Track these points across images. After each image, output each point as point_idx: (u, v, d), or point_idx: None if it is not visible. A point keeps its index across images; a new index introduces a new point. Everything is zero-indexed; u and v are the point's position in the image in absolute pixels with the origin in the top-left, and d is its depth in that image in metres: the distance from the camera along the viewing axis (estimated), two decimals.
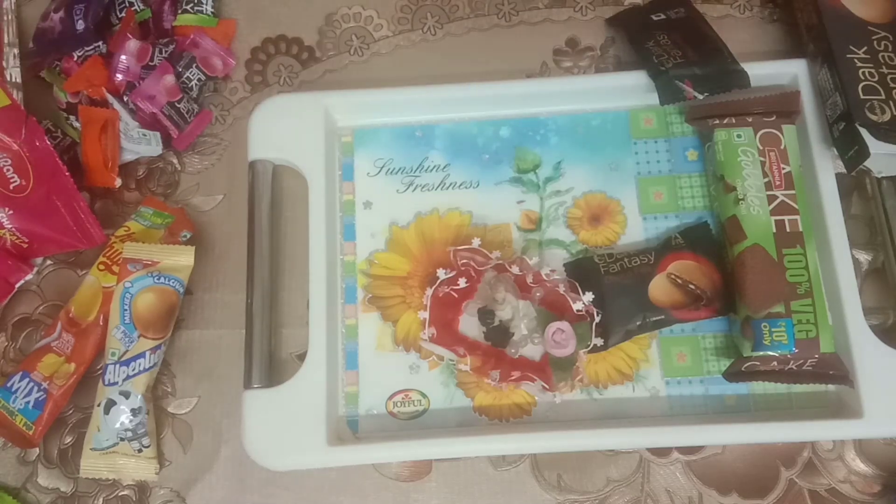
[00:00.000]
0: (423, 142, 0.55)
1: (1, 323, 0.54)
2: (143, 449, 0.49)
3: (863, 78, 0.49)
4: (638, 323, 0.49)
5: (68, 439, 0.51)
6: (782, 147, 0.50)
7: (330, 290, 0.51)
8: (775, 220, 0.48)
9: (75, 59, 0.55)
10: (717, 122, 0.51)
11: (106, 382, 0.49)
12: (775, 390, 0.49)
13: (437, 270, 0.50)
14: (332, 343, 0.50)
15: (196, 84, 0.56)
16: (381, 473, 0.50)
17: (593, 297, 0.49)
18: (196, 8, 0.58)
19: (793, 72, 0.53)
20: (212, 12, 0.58)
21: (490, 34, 0.59)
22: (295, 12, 0.60)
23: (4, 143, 0.50)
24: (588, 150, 0.54)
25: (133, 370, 0.49)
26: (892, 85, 0.48)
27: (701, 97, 0.51)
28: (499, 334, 0.49)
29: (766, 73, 0.53)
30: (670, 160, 0.54)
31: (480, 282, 0.50)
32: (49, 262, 0.55)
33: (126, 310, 0.49)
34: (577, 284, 0.50)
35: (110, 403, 0.48)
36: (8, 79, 0.57)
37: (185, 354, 0.53)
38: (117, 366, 0.48)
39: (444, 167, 0.54)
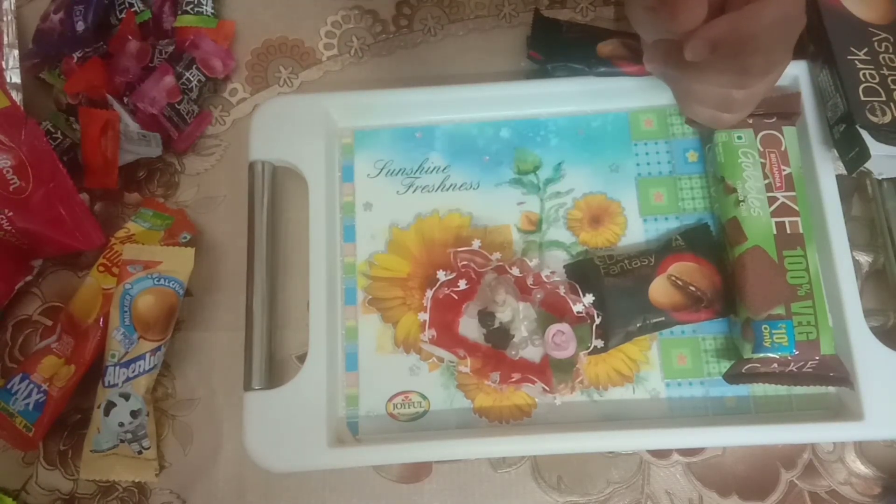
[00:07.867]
0: (424, 143, 0.55)
1: (1, 324, 0.54)
2: (143, 451, 0.49)
3: (863, 79, 0.49)
4: (638, 325, 0.49)
5: (68, 441, 0.51)
6: (783, 149, 0.50)
7: (330, 292, 0.51)
8: (776, 222, 0.48)
9: (75, 60, 0.55)
10: None
11: (106, 384, 0.49)
12: (776, 392, 0.49)
13: (438, 272, 0.50)
14: (332, 345, 0.50)
15: (196, 85, 0.56)
16: (382, 475, 0.50)
17: (593, 298, 0.49)
18: (196, 9, 0.58)
19: (793, 73, 0.53)
20: (212, 13, 0.58)
21: (491, 35, 0.59)
22: (295, 13, 0.60)
23: (4, 144, 0.50)
24: (588, 151, 0.54)
25: (133, 372, 0.48)
26: (892, 86, 0.48)
27: None
28: (499, 336, 0.49)
29: None
30: (671, 161, 0.54)
31: (480, 283, 0.50)
32: (49, 263, 0.55)
33: (126, 311, 0.49)
34: (578, 286, 0.50)
35: (110, 405, 0.48)
36: (8, 80, 0.57)
37: (186, 356, 0.53)
38: (117, 367, 0.48)
39: (445, 168, 0.54)
